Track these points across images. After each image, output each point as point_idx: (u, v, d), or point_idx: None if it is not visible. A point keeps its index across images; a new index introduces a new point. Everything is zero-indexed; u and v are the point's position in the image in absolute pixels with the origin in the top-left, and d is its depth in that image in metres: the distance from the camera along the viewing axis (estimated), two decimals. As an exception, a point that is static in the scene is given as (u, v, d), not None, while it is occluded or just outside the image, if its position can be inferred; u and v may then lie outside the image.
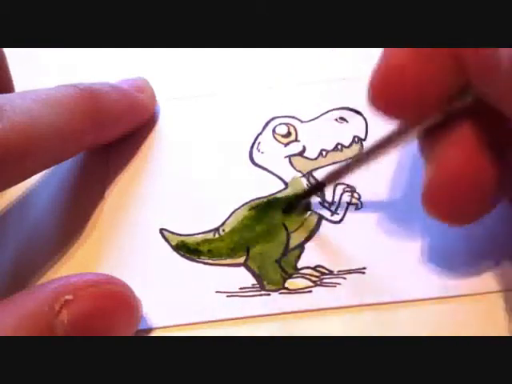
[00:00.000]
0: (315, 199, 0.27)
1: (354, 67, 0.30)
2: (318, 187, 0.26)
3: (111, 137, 0.28)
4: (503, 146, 0.21)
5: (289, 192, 0.27)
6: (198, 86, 0.31)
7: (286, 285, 0.25)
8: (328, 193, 0.27)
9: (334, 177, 0.25)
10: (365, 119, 0.28)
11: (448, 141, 0.21)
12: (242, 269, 0.25)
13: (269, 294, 0.25)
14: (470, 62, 0.20)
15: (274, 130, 0.29)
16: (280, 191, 0.27)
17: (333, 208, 0.26)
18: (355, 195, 0.26)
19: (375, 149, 0.23)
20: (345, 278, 0.25)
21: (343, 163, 0.25)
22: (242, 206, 0.27)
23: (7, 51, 0.28)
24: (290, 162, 0.28)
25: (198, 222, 0.27)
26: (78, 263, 0.26)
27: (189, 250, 0.26)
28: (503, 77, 0.18)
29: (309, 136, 0.28)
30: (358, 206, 0.26)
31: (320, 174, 0.27)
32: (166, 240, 0.26)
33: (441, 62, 0.20)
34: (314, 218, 0.26)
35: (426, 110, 0.21)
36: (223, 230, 0.26)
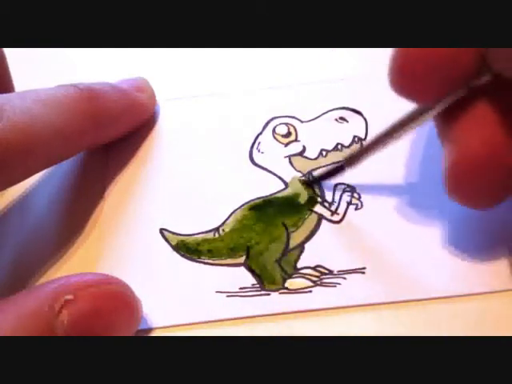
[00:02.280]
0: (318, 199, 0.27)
1: (354, 67, 0.30)
2: (339, 168, 0.26)
3: (111, 137, 0.28)
4: None
5: (289, 192, 0.27)
6: (198, 85, 0.31)
7: (286, 285, 0.25)
8: (328, 193, 0.27)
9: (355, 158, 0.26)
10: (365, 119, 0.28)
11: (468, 121, 0.21)
12: (242, 269, 0.25)
13: (269, 294, 0.25)
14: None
15: (273, 130, 0.29)
16: (280, 191, 0.27)
17: (333, 208, 0.26)
18: (355, 195, 0.26)
19: (394, 129, 0.23)
20: (345, 278, 0.25)
21: (363, 145, 0.25)
22: (242, 205, 0.27)
23: (7, 51, 0.28)
24: (290, 161, 0.28)
25: (198, 222, 0.27)
26: (78, 263, 0.26)
27: (189, 249, 0.26)
28: None
29: (309, 136, 0.28)
30: (358, 206, 0.26)
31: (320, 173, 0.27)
32: (166, 240, 0.26)
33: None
34: (314, 218, 0.26)
35: (445, 88, 0.21)
36: (223, 230, 0.26)
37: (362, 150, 0.25)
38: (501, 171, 0.21)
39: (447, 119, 0.22)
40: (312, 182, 0.27)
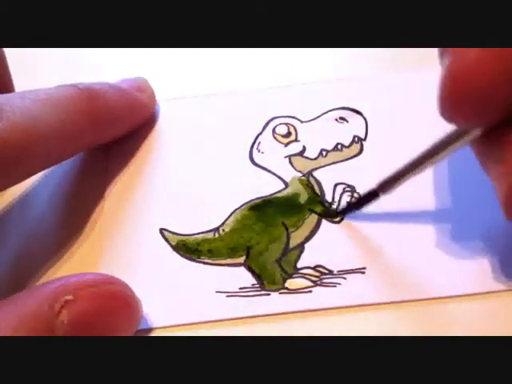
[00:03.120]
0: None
1: (354, 67, 0.30)
2: (371, 196, 0.25)
3: (111, 137, 0.28)
4: None
5: (289, 192, 0.27)
6: (198, 85, 0.31)
7: (286, 285, 0.25)
8: (328, 193, 0.27)
9: (389, 185, 0.25)
10: (365, 119, 0.28)
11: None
12: (242, 269, 0.25)
13: (269, 294, 0.25)
14: None
15: (273, 130, 0.29)
16: (280, 191, 0.27)
17: (333, 208, 0.26)
18: (355, 195, 0.26)
19: (431, 154, 0.23)
20: (345, 278, 0.25)
21: (397, 170, 0.24)
22: (242, 205, 0.27)
23: (7, 51, 0.28)
24: (290, 161, 0.28)
25: (198, 222, 0.27)
26: (78, 263, 0.26)
27: (189, 249, 0.26)
28: None
29: (309, 136, 0.28)
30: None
31: (320, 174, 0.27)
32: (166, 240, 0.26)
33: (506, 63, 0.19)
34: (314, 218, 0.26)
35: (493, 112, 0.20)
36: (223, 230, 0.26)
37: (396, 175, 0.24)
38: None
39: (493, 139, 0.21)
40: (343, 212, 0.26)
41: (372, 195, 0.25)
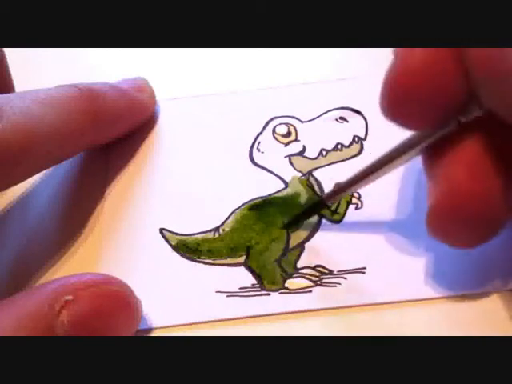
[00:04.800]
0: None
1: (355, 67, 0.30)
2: (319, 205, 0.26)
3: (111, 137, 0.28)
4: None
5: (289, 192, 0.27)
6: (198, 85, 0.31)
7: (286, 285, 0.25)
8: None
9: (336, 193, 0.25)
10: (365, 119, 0.28)
11: (453, 158, 0.20)
12: (242, 269, 0.25)
13: (269, 294, 0.25)
14: (473, 66, 0.19)
15: (273, 130, 0.29)
16: (280, 191, 0.27)
17: (333, 208, 0.26)
18: (355, 195, 0.26)
19: (379, 164, 0.23)
20: (345, 278, 0.25)
21: (346, 179, 0.24)
22: (242, 205, 0.27)
23: (7, 51, 0.28)
24: (290, 161, 0.28)
25: (198, 222, 0.27)
26: (78, 263, 0.26)
27: (189, 249, 0.26)
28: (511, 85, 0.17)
29: (309, 136, 0.28)
30: (358, 206, 0.26)
31: (320, 174, 0.27)
32: (166, 240, 0.26)
33: (443, 67, 0.19)
34: (314, 218, 0.26)
35: (433, 121, 0.20)
36: (223, 230, 0.26)
37: (342, 186, 0.25)
38: (485, 211, 0.20)
39: (434, 155, 0.21)
40: (290, 225, 0.26)
41: (319, 205, 0.26)
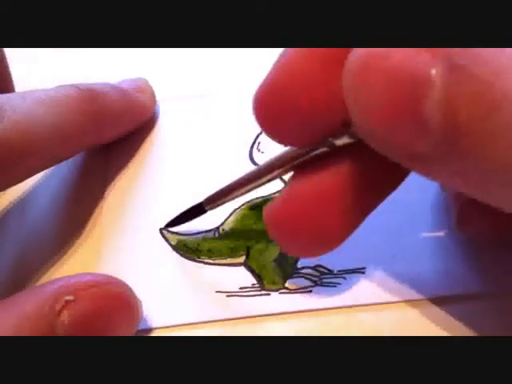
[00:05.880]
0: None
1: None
2: (197, 210, 0.25)
3: (111, 137, 0.28)
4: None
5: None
6: (198, 86, 0.31)
7: (286, 285, 0.25)
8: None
9: (216, 199, 0.24)
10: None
11: (313, 176, 0.20)
12: (242, 268, 0.25)
13: (269, 294, 0.25)
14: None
15: (273, 130, 0.29)
16: (280, 191, 0.27)
17: None
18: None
19: (259, 174, 0.22)
20: (345, 278, 0.25)
21: (226, 186, 0.24)
22: (242, 205, 0.27)
23: (7, 51, 0.28)
24: (290, 161, 0.28)
25: (198, 222, 0.27)
26: (78, 263, 0.26)
27: (189, 249, 0.26)
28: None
29: (309, 136, 0.28)
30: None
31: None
32: (166, 240, 0.26)
33: (312, 83, 0.18)
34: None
35: (301, 140, 0.19)
36: (223, 230, 0.26)
37: (222, 192, 0.24)
38: (315, 234, 0.20)
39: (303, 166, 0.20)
40: (167, 226, 0.26)
41: (198, 209, 0.25)
